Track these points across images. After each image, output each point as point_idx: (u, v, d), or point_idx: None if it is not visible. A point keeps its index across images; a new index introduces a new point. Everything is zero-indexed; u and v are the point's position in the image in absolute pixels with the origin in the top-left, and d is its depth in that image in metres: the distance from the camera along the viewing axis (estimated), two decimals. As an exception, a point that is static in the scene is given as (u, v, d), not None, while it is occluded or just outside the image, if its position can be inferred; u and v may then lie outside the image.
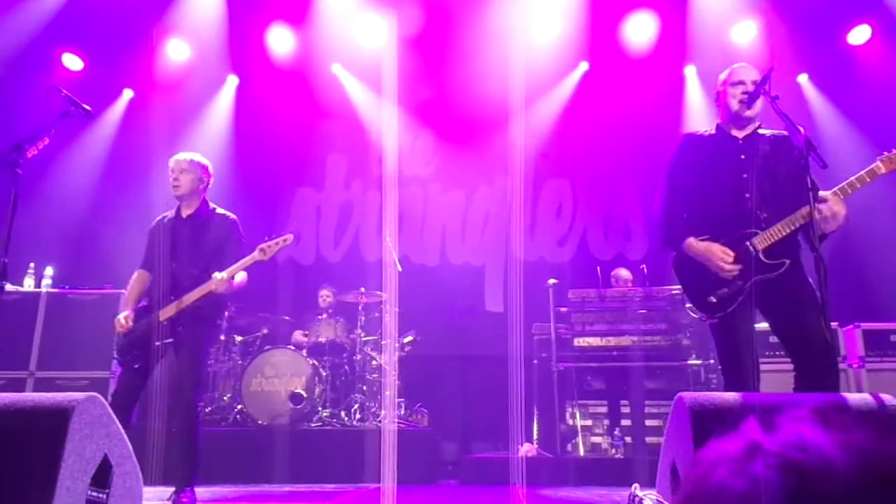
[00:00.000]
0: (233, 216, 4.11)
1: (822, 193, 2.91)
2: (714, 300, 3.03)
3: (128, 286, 4.12)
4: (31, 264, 6.08)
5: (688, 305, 3.19)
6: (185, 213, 4.06)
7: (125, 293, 4.18)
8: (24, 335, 5.60)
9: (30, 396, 2.42)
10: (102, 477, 2.44)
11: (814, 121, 7.16)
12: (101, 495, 2.42)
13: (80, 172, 7.54)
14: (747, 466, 0.74)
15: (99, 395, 2.47)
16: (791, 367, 2.98)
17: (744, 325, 3.00)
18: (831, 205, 2.89)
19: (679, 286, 3.36)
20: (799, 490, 0.69)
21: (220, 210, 4.13)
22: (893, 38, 6.85)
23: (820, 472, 0.70)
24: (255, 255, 3.87)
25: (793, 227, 2.99)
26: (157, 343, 3.79)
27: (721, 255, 3.04)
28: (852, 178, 2.97)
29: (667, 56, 7.43)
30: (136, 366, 3.80)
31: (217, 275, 3.75)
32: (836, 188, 2.97)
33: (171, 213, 4.12)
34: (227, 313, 6.57)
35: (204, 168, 4.08)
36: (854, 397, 2.25)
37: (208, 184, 4.12)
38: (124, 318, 3.87)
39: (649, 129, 7.22)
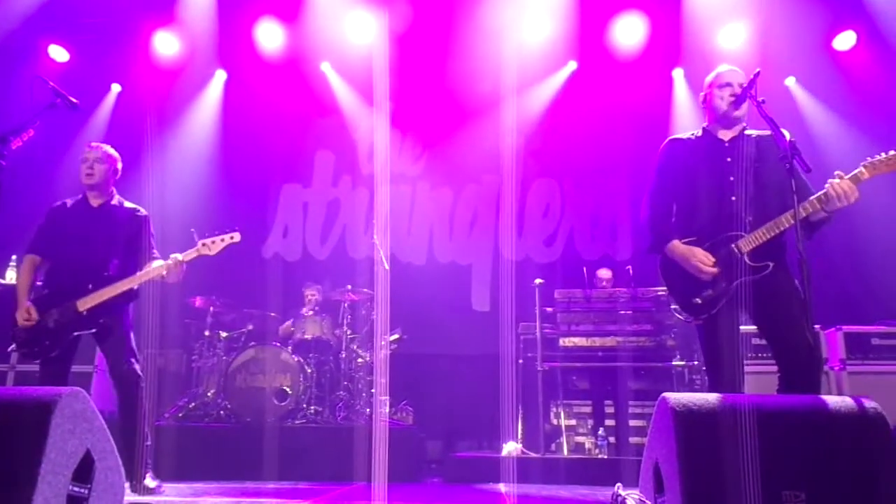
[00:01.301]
0: (144, 211, 4.14)
1: (836, 173, 2.95)
2: (699, 302, 3.05)
3: (19, 273, 4.06)
4: (14, 257, 6.02)
5: (673, 307, 3.22)
6: (95, 202, 4.05)
7: (17, 282, 4.07)
8: (6, 328, 5.53)
9: (12, 390, 2.40)
10: (85, 472, 2.42)
11: (801, 124, 7.21)
12: (82, 490, 2.41)
13: (65, 165, 7.47)
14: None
15: (82, 390, 2.45)
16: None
17: (728, 326, 3.03)
18: (844, 184, 2.91)
19: (665, 287, 3.38)
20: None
21: (128, 203, 4.15)
22: (878, 44, 6.92)
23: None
24: (200, 248, 3.90)
25: (778, 230, 3.01)
26: (76, 333, 3.78)
27: (701, 258, 3.07)
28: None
29: (655, 58, 7.47)
30: (52, 354, 3.77)
31: (176, 256, 3.86)
32: (821, 192, 2.99)
33: (72, 201, 4.12)
34: (212, 308, 6.54)
35: (115, 160, 4.13)
36: (834, 400, 2.27)
37: (118, 176, 4.17)
38: (27, 311, 3.81)
39: (637, 130, 7.25)
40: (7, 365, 5.49)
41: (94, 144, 4.12)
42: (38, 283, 4.05)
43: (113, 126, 7.63)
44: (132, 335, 3.96)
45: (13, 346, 3.87)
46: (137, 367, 3.86)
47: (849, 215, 6.04)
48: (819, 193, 2.96)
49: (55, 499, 2.22)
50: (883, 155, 2.98)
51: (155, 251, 4.04)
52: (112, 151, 4.13)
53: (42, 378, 3.78)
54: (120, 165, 4.16)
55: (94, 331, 3.82)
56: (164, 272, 3.84)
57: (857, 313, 5.93)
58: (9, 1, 6.65)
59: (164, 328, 6.62)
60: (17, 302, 3.90)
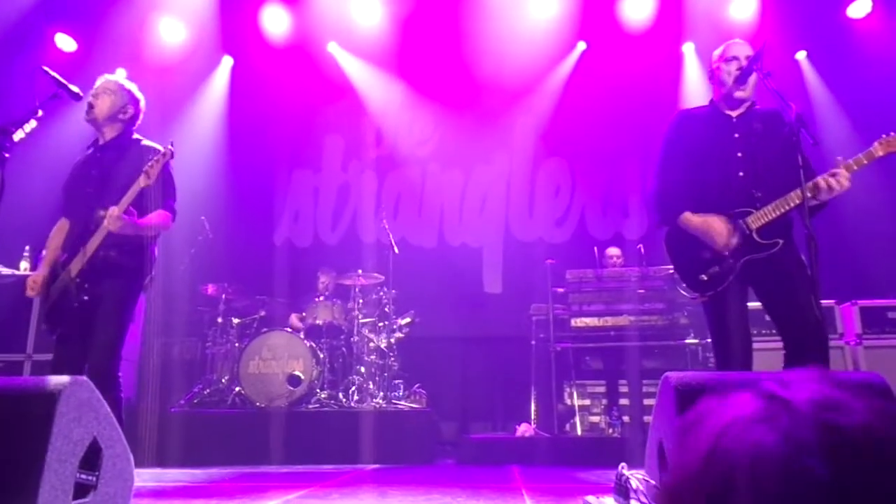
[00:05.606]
0: (162, 148, 3.33)
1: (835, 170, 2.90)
2: (705, 278, 3.00)
3: (47, 240, 3.48)
4: (27, 247, 6.07)
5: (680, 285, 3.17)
6: (101, 141, 3.46)
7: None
8: (21, 318, 5.60)
9: (16, 380, 2.41)
10: (92, 459, 2.43)
11: (811, 98, 7.07)
12: (90, 478, 2.42)
13: (76, 153, 7.50)
14: (774, 425, 0.65)
15: (87, 379, 2.46)
16: (787, 345, 2.96)
17: (735, 303, 2.97)
18: (841, 178, 2.86)
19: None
20: (843, 451, 0.62)
21: (146, 141, 3.47)
22: (894, 11, 6.76)
23: (861, 434, 0.63)
24: (140, 181, 3.16)
25: (787, 208, 2.95)
26: (75, 304, 3.16)
27: (720, 229, 3.00)
28: (850, 159, 2.93)
29: (665, 33, 7.34)
30: (59, 331, 3.23)
31: (112, 210, 3.11)
32: (836, 169, 2.92)
33: (90, 147, 3.55)
34: (224, 295, 6.56)
35: (132, 97, 3.54)
36: (840, 374, 2.23)
37: (135, 117, 3.56)
38: (32, 279, 3.30)
39: (647, 107, 7.14)
40: (23, 354, 5.56)
41: (108, 76, 3.52)
42: None
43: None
44: (126, 322, 3.25)
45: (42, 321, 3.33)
46: (113, 366, 3.14)
47: (864, 188, 5.97)
48: (810, 183, 2.89)
49: (63, 486, 2.23)
50: None
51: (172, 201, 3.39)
52: (131, 87, 3.54)
53: (53, 362, 3.21)
54: (143, 105, 3.56)
55: (86, 298, 3.16)
56: (107, 228, 3.13)
57: (872, 287, 5.84)
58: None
59: (177, 316, 6.67)
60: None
